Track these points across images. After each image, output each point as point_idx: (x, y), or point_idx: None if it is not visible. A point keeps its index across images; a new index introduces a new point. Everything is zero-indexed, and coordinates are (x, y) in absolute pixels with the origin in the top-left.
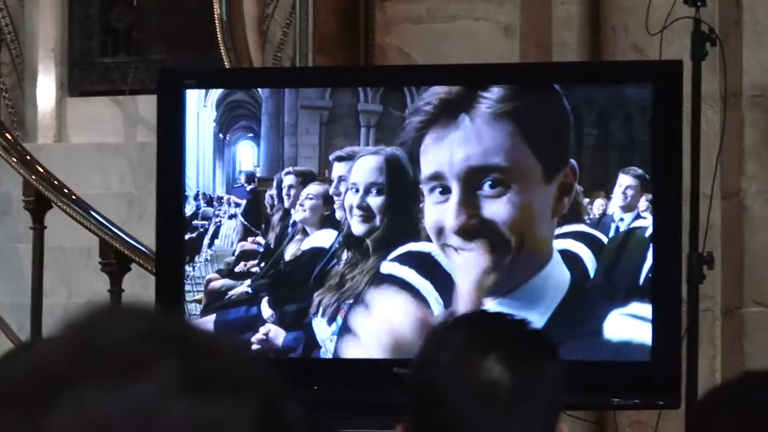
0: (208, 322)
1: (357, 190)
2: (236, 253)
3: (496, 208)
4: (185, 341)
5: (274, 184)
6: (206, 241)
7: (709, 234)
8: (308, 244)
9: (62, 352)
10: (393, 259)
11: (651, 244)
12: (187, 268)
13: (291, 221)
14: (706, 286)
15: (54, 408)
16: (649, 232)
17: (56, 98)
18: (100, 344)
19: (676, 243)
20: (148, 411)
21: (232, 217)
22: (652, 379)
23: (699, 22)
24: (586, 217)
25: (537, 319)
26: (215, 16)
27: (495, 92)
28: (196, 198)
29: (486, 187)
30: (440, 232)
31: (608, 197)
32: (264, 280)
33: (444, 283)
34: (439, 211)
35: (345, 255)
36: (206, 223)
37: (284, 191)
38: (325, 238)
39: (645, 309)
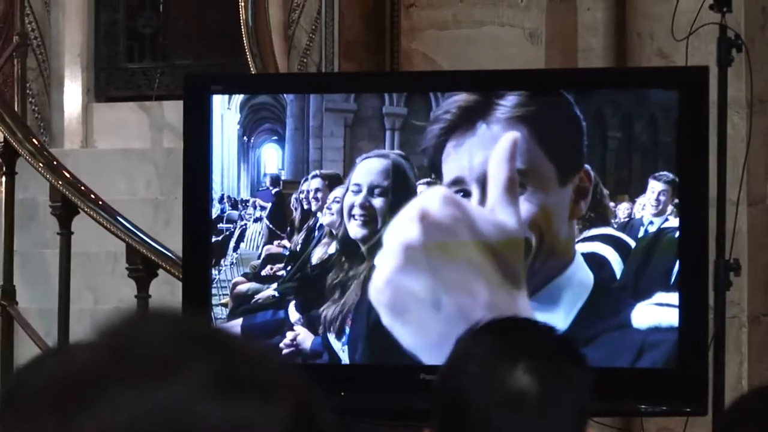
0: (236, 326)
1: (359, 191)
2: (262, 257)
3: (513, 209)
4: (218, 344)
5: (301, 188)
6: (232, 244)
7: (736, 240)
8: (335, 248)
9: (96, 355)
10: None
11: (678, 250)
12: (213, 271)
13: (317, 224)
14: (732, 293)
15: (88, 410)
16: (677, 233)
17: (82, 104)
18: (133, 347)
19: (703, 250)
20: (181, 413)
21: (257, 220)
22: (679, 386)
23: (725, 28)
24: (613, 221)
25: (561, 319)
26: (241, 21)
27: (509, 99)
28: (220, 201)
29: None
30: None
31: (633, 201)
32: (290, 284)
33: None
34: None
35: (343, 261)
36: (231, 226)
37: (311, 194)
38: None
39: (672, 298)
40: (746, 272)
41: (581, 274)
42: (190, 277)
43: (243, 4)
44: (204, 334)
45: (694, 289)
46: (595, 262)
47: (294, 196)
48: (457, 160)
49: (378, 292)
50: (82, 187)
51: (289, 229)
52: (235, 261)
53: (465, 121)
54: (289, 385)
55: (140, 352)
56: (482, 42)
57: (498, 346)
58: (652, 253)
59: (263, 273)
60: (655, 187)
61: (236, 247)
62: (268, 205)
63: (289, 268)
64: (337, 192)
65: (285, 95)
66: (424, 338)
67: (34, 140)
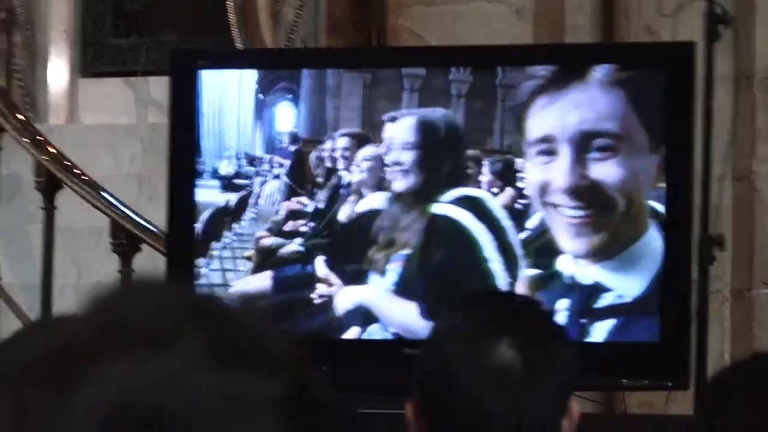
0: (265, 278)
1: (394, 148)
2: (282, 213)
3: (606, 171)
4: (212, 314)
5: (326, 146)
6: (252, 200)
7: (720, 216)
8: (363, 206)
9: (87, 326)
10: (448, 202)
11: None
12: (234, 225)
13: (345, 182)
14: (716, 267)
15: (80, 382)
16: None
17: (68, 79)
18: (125, 318)
19: (687, 224)
20: (174, 382)
21: (275, 177)
22: (662, 360)
23: (712, 4)
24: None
25: (637, 285)
26: None
27: (604, 67)
28: (236, 157)
29: (596, 150)
30: (545, 190)
31: None
32: (317, 240)
33: (497, 229)
34: (545, 171)
35: (391, 211)
36: (249, 182)
37: (339, 153)
38: (379, 199)
39: None
40: (730, 247)
41: (655, 242)
42: (174, 252)
43: None
44: (196, 304)
45: (677, 264)
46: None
47: (315, 154)
48: (547, 117)
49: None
50: (67, 162)
51: (309, 186)
52: (255, 216)
53: (559, 81)
54: (283, 356)
55: (132, 323)
56: (469, 18)
57: (482, 322)
58: None
59: (286, 228)
60: None
61: (255, 203)
62: (287, 163)
63: (313, 224)
64: (367, 151)
65: None
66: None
67: (19, 115)
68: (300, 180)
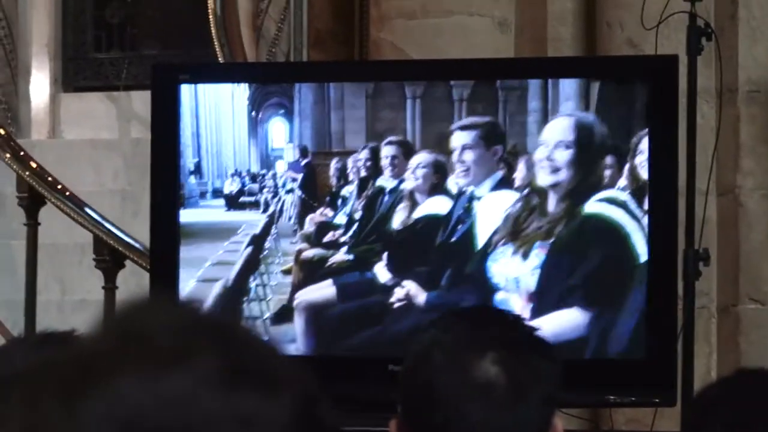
0: (325, 286)
1: (546, 145)
2: (309, 226)
3: None
4: (225, 335)
5: (358, 155)
6: (277, 217)
7: (705, 230)
8: (422, 211)
9: (103, 342)
10: (598, 201)
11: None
12: (267, 243)
13: (388, 189)
14: (701, 283)
15: (91, 396)
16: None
17: (50, 94)
18: (140, 335)
19: (672, 239)
20: (184, 402)
21: (289, 192)
22: (649, 377)
23: (695, 17)
24: None
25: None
26: (209, 11)
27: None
28: (239, 175)
29: None
30: None
31: None
32: (367, 247)
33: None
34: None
35: (524, 202)
36: (253, 198)
37: (386, 161)
38: (439, 204)
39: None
40: (715, 262)
41: None
42: (157, 267)
43: None
44: (211, 325)
45: (663, 279)
46: None
47: (334, 165)
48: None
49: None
50: (50, 178)
51: (329, 197)
52: (275, 233)
53: None
54: (292, 379)
55: (147, 340)
56: (451, 31)
57: (465, 337)
58: None
59: (326, 240)
60: None
61: (277, 219)
62: (300, 176)
63: (352, 232)
64: (421, 158)
65: None
66: None
67: (0, 130)
68: (311, 192)
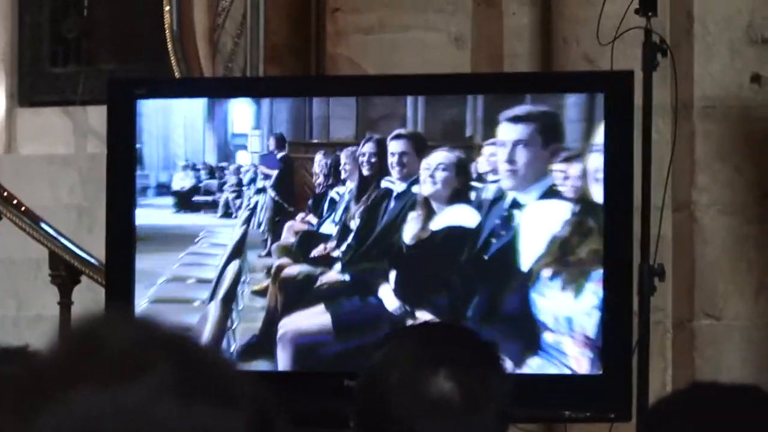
0: (317, 314)
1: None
2: (289, 236)
3: None
4: (180, 348)
5: (361, 149)
6: (250, 225)
7: (660, 246)
8: (442, 222)
9: (58, 356)
10: None
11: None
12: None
13: (395, 193)
14: (657, 298)
15: (47, 410)
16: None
17: (6, 109)
18: (95, 349)
19: (628, 254)
20: (140, 414)
21: (259, 191)
22: (604, 392)
23: (650, 33)
24: None
25: None
26: (166, 26)
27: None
28: (193, 169)
29: None
30: None
31: None
32: (369, 264)
33: None
34: None
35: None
36: (212, 197)
37: (395, 159)
38: (464, 216)
39: None
40: (670, 277)
41: None
42: (113, 282)
43: (168, 8)
44: (167, 339)
45: (618, 294)
46: None
47: (321, 160)
48: None
49: None
50: (5, 193)
51: (312, 201)
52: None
53: None
54: (247, 393)
55: (101, 353)
56: (408, 47)
57: (418, 353)
58: None
59: (313, 254)
60: None
61: (245, 224)
62: (274, 173)
63: (346, 245)
64: (440, 157)
65: None
66: None
67: None
68: (289, 193)
